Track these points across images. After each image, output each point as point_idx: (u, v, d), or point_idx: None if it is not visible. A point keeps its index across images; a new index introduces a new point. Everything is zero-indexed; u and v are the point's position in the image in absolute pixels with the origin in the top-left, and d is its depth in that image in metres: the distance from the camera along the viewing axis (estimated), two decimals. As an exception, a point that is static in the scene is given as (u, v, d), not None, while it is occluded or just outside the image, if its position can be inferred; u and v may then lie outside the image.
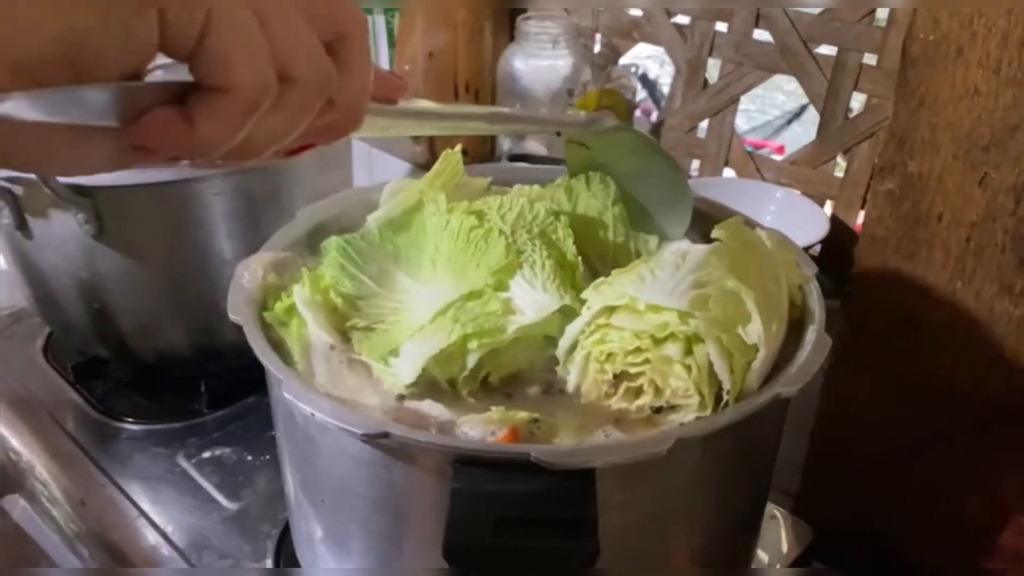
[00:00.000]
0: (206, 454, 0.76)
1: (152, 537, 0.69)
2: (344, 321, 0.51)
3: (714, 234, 0.54)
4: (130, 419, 0.80)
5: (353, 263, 0.53)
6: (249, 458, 0.75)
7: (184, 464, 0.75)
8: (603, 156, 0.60)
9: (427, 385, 0.48)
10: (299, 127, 0.31)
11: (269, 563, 0.66)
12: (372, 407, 0.47)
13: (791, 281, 0.53)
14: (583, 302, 0.50)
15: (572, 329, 0.49)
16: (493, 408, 0.44)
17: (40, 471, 0.76)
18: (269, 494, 0.72)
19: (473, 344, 0.47)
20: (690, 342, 0.46)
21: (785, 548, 0.69)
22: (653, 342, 0.46)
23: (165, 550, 0.68)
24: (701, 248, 0.52)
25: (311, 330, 0.50)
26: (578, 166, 0.61)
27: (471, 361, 0.47)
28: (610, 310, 0.48)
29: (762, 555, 0.69)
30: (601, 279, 0.51)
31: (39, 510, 0.78)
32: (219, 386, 0.81)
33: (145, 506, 0.71)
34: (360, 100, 0.34)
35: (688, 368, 0.45)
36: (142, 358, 0.80)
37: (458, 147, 0.62)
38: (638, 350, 0.46)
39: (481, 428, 0.44)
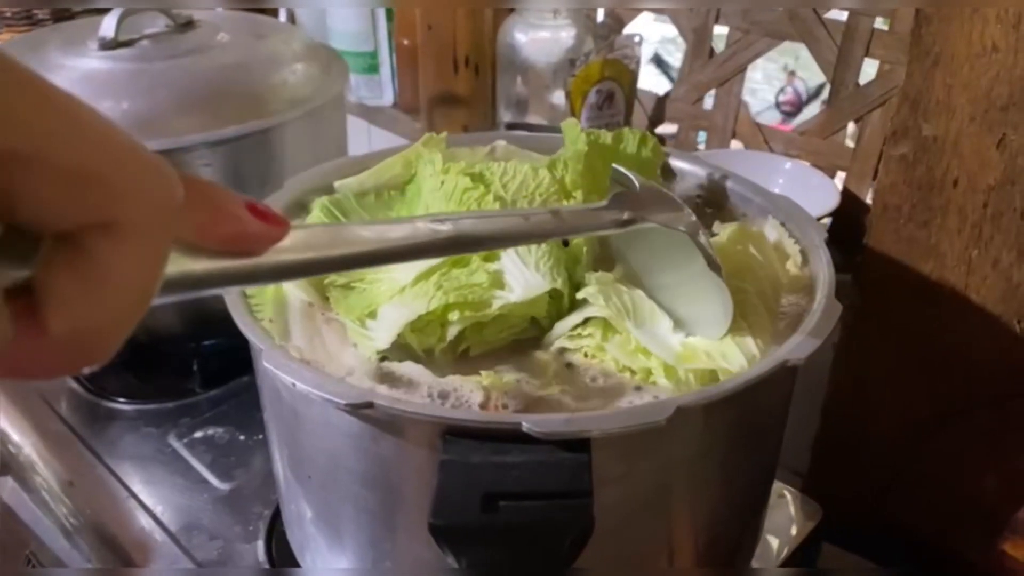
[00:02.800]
0: (198, 434, 0.74)
1: (142, 518, 0.67)
2: (323, 278, 0.49)
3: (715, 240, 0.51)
4: (121, 399, 0.78)
5: (335, 220, 0.51)
6: (241, 438, 0.73)
7: (175, 444, 0.73)
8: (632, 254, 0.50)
9: (402, 352, 0.46)
10: None
11: (260, 544, 0.64)
12: (351, 368, 0.45)
13: (792, 282, 0.51)
14: (576, 287, 0.48)
15: (561, 328, 0.48)
16: (483, 372, 0.42)
17: (29, 452, 0.74)
18: (261, 474, 0.70)
19: (455, 315, 0.45)
20: (676, 385, 0.44)
21: (794, 527, 0.67)
22: (642, 375, 0.45)
23: (155, 532, 0.66)
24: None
25: (287, 288, 0.48)
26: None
27: (451, 333, 0.45)
28: (605, 328, 0.46)
29: (770, 538, 0.66)
30: (606, 275, 0.48)
31: (30, 492, 0.77)
32: (212, 365, 0.79)
33: (135, 487, 0.69)
34: (102, 336, 0.21)
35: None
36: (133, 336, 0.78)
37: (444, 134, 0.60)
38: (626, 368, 0.45)
39: (470, 389, 0.42)
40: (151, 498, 0.68)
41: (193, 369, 0.79)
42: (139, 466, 0.71)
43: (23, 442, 0.75)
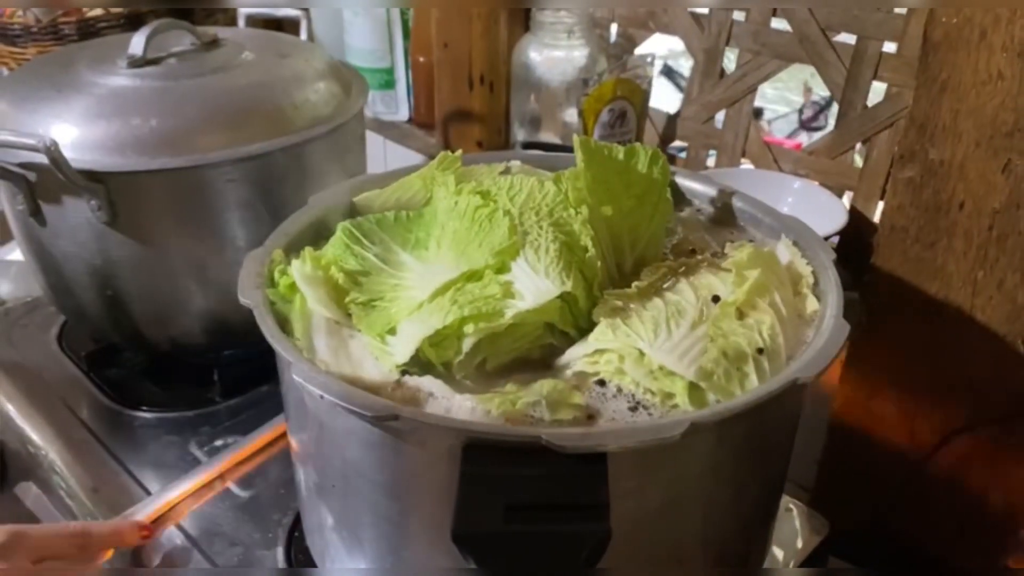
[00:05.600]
0: (218, 442, 0.76)
1: (164, 524, 0.68)
2: (345, 296, 0.51)
3: (730, 263, 0.52)
4: (143, 407, 0.80)
5: (358, 242, 0.53)
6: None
7: (196, 452, 0.75)
8: None
9: (422, 366, 0.48)
10: None
11: (280, 550, 0.65)
12: (373, 382, 0.47)
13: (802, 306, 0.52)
14: (589, 288, 0.50)
15: (574, 353, 0.49)
16: (496, 400, 0.44)
17: (54, 458, 0.76)
18: (280, 483, 0.71)
19: (469, 328, 0.46)
20: (699, 402, 0.45)
21: (801, 541, 0.68)
22: (662, 396, 0.46)
23: (177, 537, 0.67)
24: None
25: (311, 305, 0.50)
26: None
27: (467, 345, 0.47)
28: (620, 356, 0.47)
29: (777, 551, 0.68)
30: (618, 303, 0.50)
31: (52, 497, 0.78)
32: (232, 375, 0.81)
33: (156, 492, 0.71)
34: None
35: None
36: (155, 346, 0.80)
37: (459, 152, 0.62)
38: (647, 390, 0.46)
39: (480, 407, 0.43)
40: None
41: (214, 379, 0.81)
42: (161, 473, 0.73)
43: (48, 448, 0.77)
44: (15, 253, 1.46)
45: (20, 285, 1.28)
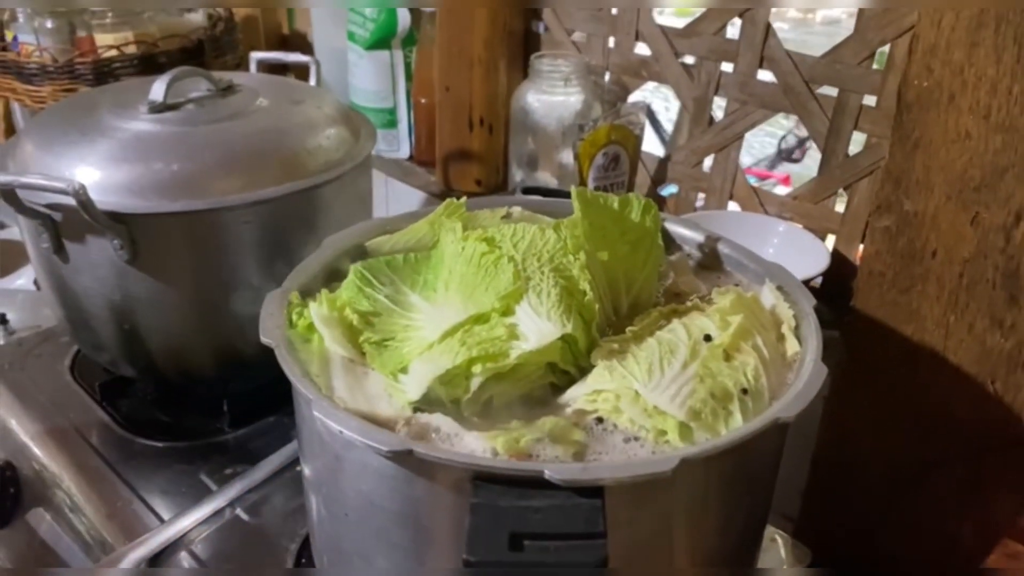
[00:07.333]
0: (227, 471, 0.79)
1: (176, 551, 0.71)
2: (359, 336, 0.54)
3: (714, 309, 0.56)
4: (154, 437, 0.83)
5: (369, 284, 0.57)
6: (268, 476, 0.78)
7: (206, 480, 0.78)
8: None
9: (432, 403, 0.51)
10: None
11: None
12: (387, 417, 0.50)
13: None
14: (588, 329, 0.53)
15: (574, 393, 0.53)
16: (500, 439, 0.47)
17: (67, 484, 0.79)
18: (288, 510, 0.74)
19: (477, 368, 0.50)
20: (689, 439, 0.49)
21: (785, 569, 0.72)
22: (655, 432, 0.50)
23: (187, 561, 0.70)
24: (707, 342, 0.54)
25: (328, 345, 0.54)
26: None
27: (475, 384, 0.50)
28: (617, 396, 0.51)
29: (763, 579, 0.71)
30: (614, 346, 0.53)
31: (64, 523, 0.81)
32: (241, 406, 0.84)
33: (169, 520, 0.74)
34: None
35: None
36: (167, 377, 0.83)
37: (463, 199, 0.66)
38: (642, 427, 0.50)
39: (486, 444, 0.47)
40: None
41: (223, 410, 0.84)
42: (173, 501, 0.76)
43: (62, 475, 0.80)
44: (20, 281, 1.49)
45: (26, 314, 1.31)
